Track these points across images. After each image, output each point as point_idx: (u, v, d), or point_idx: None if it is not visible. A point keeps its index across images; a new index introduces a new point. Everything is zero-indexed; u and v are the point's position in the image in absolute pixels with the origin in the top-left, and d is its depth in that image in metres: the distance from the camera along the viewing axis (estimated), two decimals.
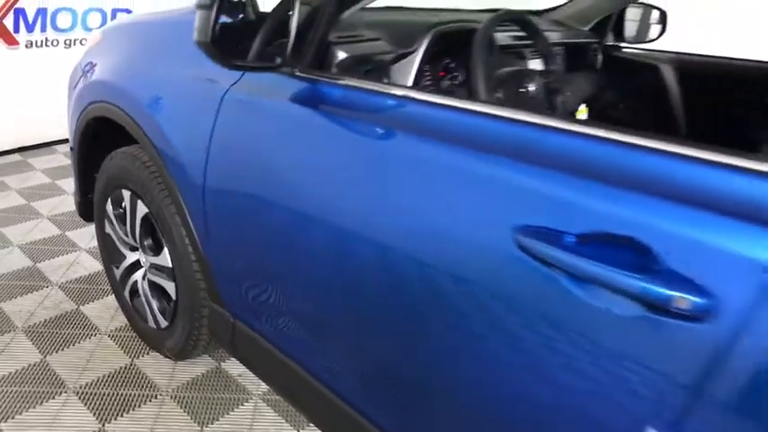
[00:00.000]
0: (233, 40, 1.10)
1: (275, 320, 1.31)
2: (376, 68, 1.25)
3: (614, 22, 2.05)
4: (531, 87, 1.33)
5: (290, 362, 1.28)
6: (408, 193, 0.94)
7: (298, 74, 1.13)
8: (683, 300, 0.63)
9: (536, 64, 1.67)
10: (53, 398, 1.59)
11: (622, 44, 2.12)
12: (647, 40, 2.12)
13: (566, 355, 0.74)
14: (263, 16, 1.17)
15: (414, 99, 1.00)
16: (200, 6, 0.96)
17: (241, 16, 1.05)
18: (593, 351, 0.71)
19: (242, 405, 1.61)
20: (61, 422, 1.51)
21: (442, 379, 0.95)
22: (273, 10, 1.15)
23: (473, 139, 0.88)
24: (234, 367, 1.75)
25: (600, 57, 1.96)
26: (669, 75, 1.88)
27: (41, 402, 1.57)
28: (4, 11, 3.09)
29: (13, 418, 1.51)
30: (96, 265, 2.21)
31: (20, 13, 3.13)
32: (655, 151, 0.70)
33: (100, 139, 1.81)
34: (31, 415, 1.53)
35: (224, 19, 0.99)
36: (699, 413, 0.65)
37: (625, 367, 0.69)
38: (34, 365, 1.71)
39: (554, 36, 1.88)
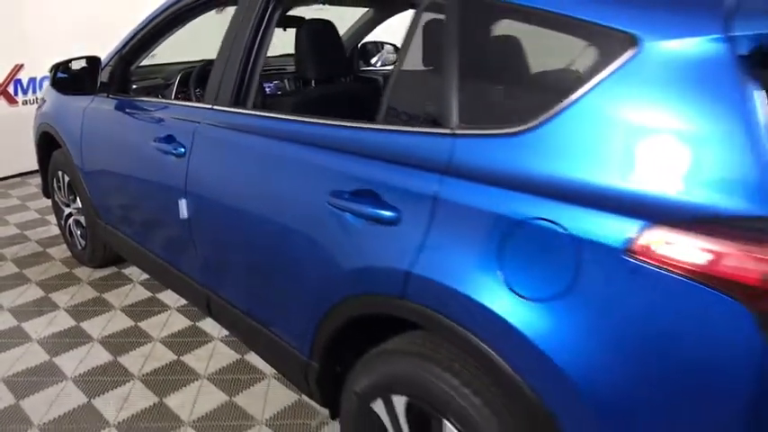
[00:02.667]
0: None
1: (118, 218, 2.65)
2: (155, 91, 2.61)
3: (359, 55, 3.36)
4: None
5: (126, 237, 2.60)
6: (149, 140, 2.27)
7: (110, 96, 2.50)
8: None
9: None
10: (23, 284, 2.94)
11: (369, 68, 3.44)
12: (389, 64, 3.43)
13: None
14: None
15: (163, 103, 2.34)
16: (49, 70, 2.36)
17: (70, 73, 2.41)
18: None
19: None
20: (23, 298, 2.85)
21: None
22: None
23: (176, 114, 2.22)
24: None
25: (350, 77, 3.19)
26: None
27: (15, 287, 2.92)
28: (7, 82, 4.60)
29: None
30: (58, 231, 3.58)
31: (17, 82, 4.64)
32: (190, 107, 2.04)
33: (52, 145, 3.19)
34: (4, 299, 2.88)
35: (61, 74, 2.37)
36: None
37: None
38: (15, 273, 3.07)
39: None
